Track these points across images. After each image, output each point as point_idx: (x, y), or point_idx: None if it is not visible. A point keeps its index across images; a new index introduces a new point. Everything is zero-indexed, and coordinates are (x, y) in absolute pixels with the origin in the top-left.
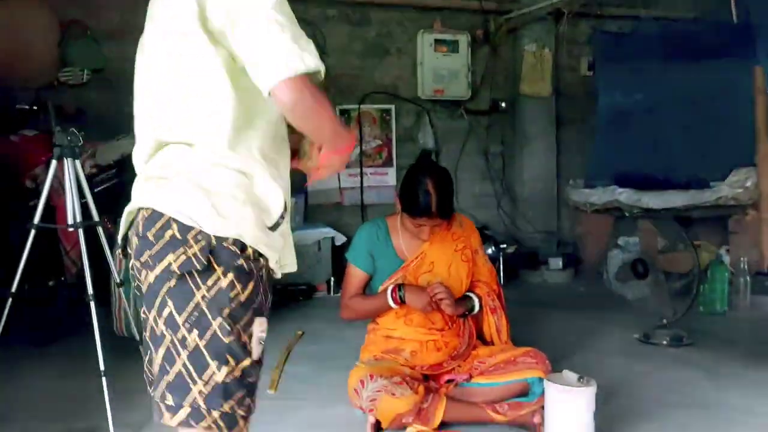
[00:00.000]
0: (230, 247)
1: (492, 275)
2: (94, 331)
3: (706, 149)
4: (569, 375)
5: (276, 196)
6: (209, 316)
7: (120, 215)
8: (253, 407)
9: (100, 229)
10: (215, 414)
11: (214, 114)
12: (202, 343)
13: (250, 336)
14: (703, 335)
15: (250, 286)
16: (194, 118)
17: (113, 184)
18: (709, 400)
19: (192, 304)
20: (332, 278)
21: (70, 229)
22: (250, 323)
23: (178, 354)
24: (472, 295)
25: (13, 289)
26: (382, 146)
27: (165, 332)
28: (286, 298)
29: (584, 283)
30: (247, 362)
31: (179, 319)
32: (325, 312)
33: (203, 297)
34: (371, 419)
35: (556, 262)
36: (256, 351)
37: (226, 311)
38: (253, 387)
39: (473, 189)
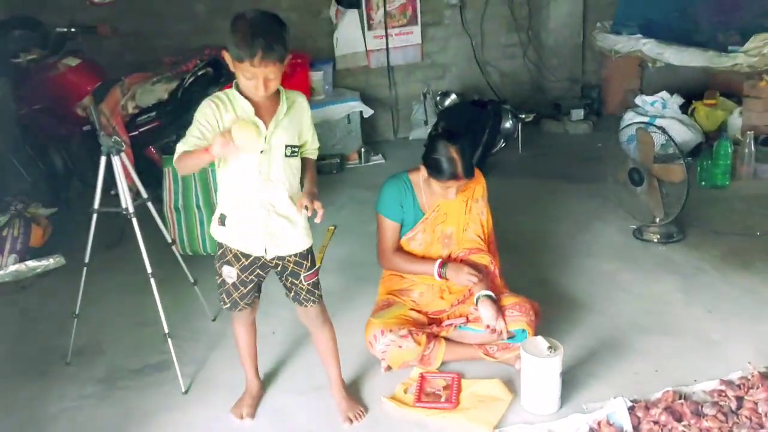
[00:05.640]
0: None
1: (482, 226)
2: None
3: (728, 12)
4: (541, 342)
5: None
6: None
7: (160, 150)
8: (226, 301)
9: (149, 204)
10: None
11: None
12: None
13: (221, 274)
14: (695, 221)
15: (220, 253)
16: None
17: (154, 126)
18: (675, 324)
19: None
20: (363, 148)
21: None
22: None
23: None
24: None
25: (96, 206)
26: (406, 4)
27: None
28: (321, 173)
29: (603, 136)
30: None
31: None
32: (358, 180)
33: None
34: (384, 364)
35: (578, 113)
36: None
37: (216, 264)
38: (226, 292)
39: (499, 39)
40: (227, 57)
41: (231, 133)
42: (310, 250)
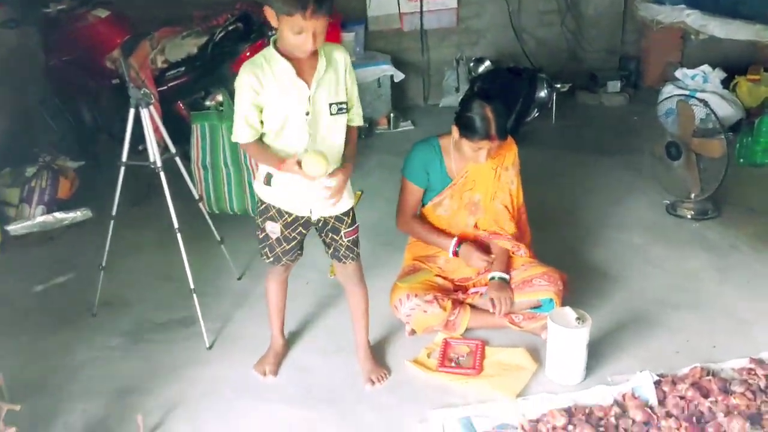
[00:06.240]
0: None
1: (511, 196)
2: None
3: None
4: (569, 313)
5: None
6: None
7: (189, 106)
8: (269, 256)
9: (177, 159)
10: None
11: None
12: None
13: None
14: (731, 198)
15: (262, 208)
16: None
17: (183, 81)
18: (706, 301)
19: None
20: (392, 113)
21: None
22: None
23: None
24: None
25: (124, 159)
26: None
27: None
28: None
29: (639, 110)
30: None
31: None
32: (386, 145)
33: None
34: (408, 328)
35: (614, 85)
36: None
37: (258, 219)
38: (269, 247)
39: (536, 6)
40: (269, 13)
41: (301, 164)
42: (351, 209)
